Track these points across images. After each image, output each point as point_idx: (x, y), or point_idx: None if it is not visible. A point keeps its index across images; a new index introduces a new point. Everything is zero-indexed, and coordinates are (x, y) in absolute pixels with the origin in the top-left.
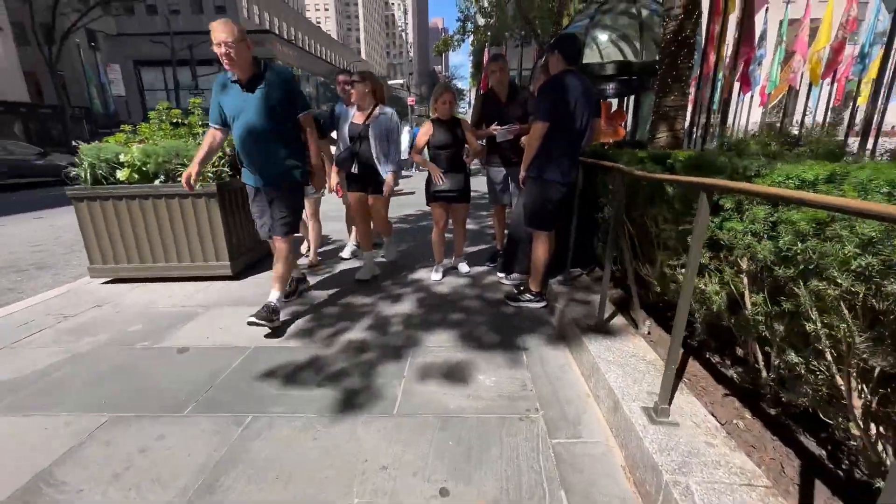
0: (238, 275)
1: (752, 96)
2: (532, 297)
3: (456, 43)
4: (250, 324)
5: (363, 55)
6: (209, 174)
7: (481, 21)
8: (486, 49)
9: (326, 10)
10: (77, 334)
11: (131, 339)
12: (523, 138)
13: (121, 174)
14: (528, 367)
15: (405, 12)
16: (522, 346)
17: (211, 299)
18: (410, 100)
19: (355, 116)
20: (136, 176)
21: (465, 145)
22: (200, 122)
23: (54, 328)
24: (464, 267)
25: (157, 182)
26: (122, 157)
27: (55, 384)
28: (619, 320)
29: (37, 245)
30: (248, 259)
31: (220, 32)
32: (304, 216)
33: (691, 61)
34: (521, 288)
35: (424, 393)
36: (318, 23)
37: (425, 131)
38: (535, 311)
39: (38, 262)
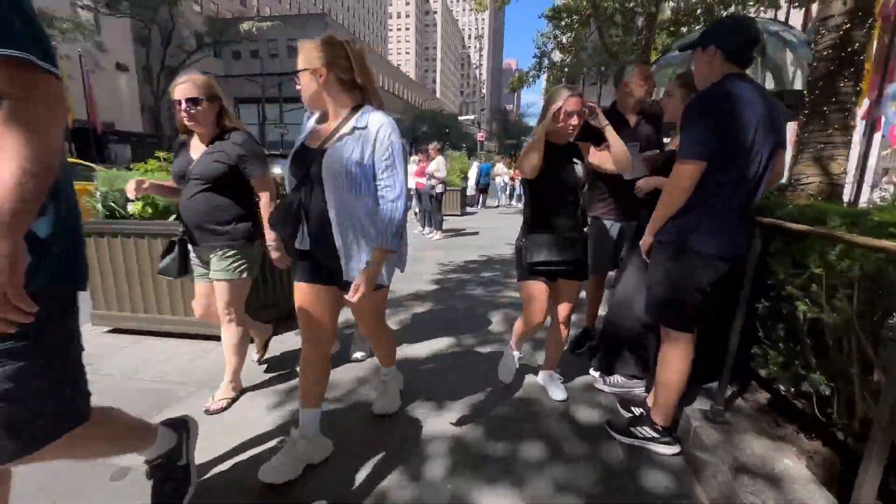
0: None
1: (872, 133)
2: (656, 435)
3: (531, 79)
4: None
5: (438, 94)
6: None
7: (557, 57)
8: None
9: (408, 53)
10: None
11: None
12: (648, 181)
13: (131, 207)
14: None
15: (480, 52)
16: None
17: (208, 374)
18: (480, 135)
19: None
20: (150, 210)
21: (582, 190)
22: None
23: None
24: (557, 391)
25: (171, 219)
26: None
27: None
28: None
29: None
30: (270, 315)
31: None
32: None
33: (859, 84)
34: (638, 414)
35: None
36: (399, 65)
37: (530, 162)
38: (663, 460)
39: None
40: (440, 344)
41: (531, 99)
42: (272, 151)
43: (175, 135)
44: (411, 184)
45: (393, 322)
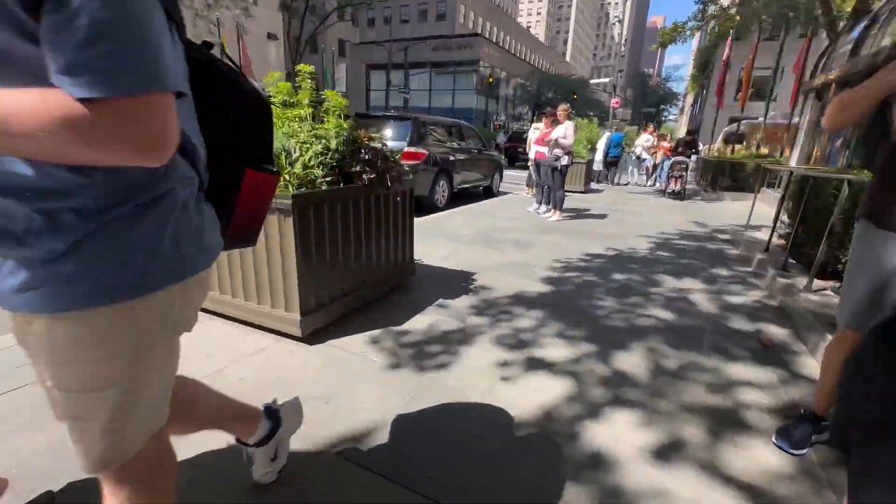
0: (310, 337)
1: None
2: None
3: (688, 32)
4: None
5: (568, 57)
6: (294, 174)
7: (727, 1)
8: (729, 40)
9: (539, 13)
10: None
11: None
12: None
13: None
14: None
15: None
16: None
17: (244, 372)
18: (615, 101)
19: None
20: None
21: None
22: (309, 102)
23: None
24: None
25: None
26: None
27: None
28: None
29: None
30: (329, 316)
31: None
32: None
33: None
34: None
35: None
36: (529, 26)
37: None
38: None
39: None
40: (546, 398)
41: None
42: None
43: None
44: (531, 153)
45: (477, 344)
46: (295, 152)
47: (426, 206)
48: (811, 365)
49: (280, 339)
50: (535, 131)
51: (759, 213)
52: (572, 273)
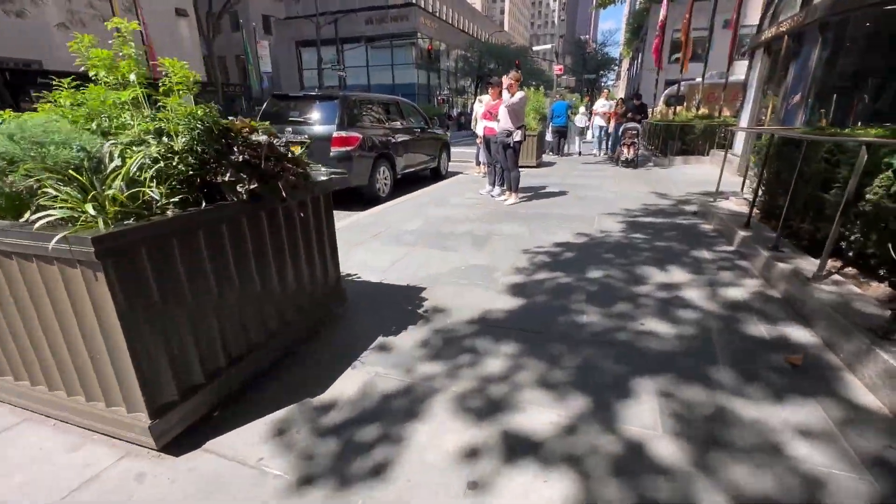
0: (175, 443)
1: None
2: None
3: None
4: None
5: (506, 27)
6: (109, 198)
7: None
8: (665, 1)
9: None
10: None
11: None
12: None
13: None
14: None
15: None
16: None
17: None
18: (558, 68)
19: None
20: None
21: None
22: (138, 79)
23: None
24: None
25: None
26: None
27: None
28: None
29: None
30: (203, 405)
31: None
32: None
33: None
34: None
35: None
36: None
37: None
38: None
39: None
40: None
41: (610, 26)
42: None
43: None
44: (479, 129)
45: (432, 416)
46: (110, 160)
47: (367, 198)
48: (858, 386)
49: (129, 452)
50: (480, 104)
51: (713, 177)
52: (542, 274)
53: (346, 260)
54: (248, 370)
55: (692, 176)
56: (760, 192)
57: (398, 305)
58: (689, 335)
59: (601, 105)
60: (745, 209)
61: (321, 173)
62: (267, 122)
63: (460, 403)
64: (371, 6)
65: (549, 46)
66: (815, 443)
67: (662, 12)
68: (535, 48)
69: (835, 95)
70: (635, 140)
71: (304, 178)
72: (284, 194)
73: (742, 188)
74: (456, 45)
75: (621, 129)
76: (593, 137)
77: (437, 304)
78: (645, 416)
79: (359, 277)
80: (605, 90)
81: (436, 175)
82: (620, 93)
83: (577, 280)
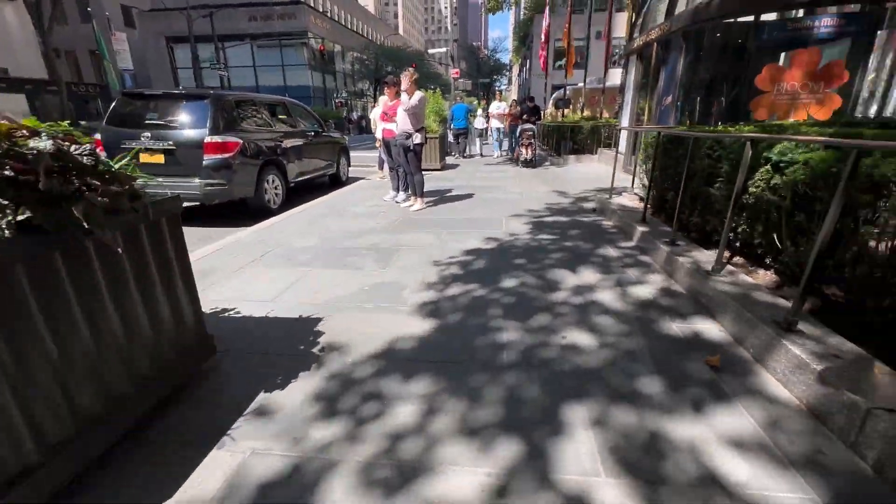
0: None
1: None
2: None
3: None
4: None
5: (401, 31)
6: None
7: None
8: (546, 13)
9: None
10: None
11: None
12: None
13: None
14: None
15: None
16: None
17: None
18: (454, 72)
19: None
20: None
21: None
22: None
23: None
24: None
25: None
26: None
27: None
28: None
29: None
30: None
31: None
32: None
33: None
34: None
35: None
36: None
37: None
38: None
39: None
40: None
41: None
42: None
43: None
44: (377, 132)
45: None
46: None
47: (254, 211)
48: (774, 383)
49: None
50: (378, 108)
51: (604, 174)
52: (454, 289)
53: (221, 292)
54: (53, 481)
55: (585, 174)
56: (651, 188)
57: (286, 345)
58: (609, 344)
59: (496, 107)
60: (637, 205)
61: (185, 186)
62: (65, 123)
63: (365, 477)
64: (253, 2)
65: (444, 50)
66: (753, 458)
67: (544, 23)
68: (430, 51)
69: (698, 98)
70: (532, 140)
71: (127, 197)
72: (87, 223)
73: (632, 184)
74: (351, 47)
75: (518, 131)
76: (492, 139)
77: (336, 338)
78: (584, 458)
79: (238, 312)
80: (499, 92)
81: (335, 182)
82: (513, 96)
83: (491, 292)
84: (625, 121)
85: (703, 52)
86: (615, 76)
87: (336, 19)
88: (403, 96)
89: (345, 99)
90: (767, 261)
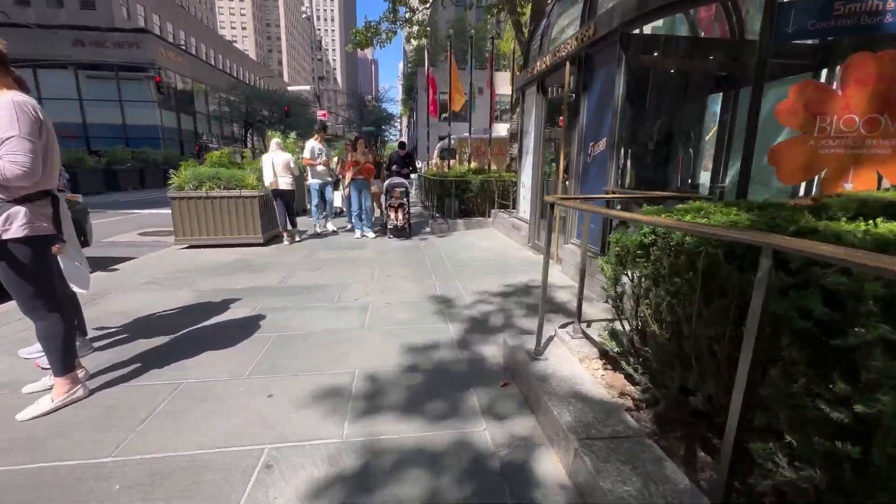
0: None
1: None
2: None
3: (384, 35)
4: None
5: (286, 78)
6: None
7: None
8: (427, 68)
9: (244, 28)
10: None
11: None
12: None
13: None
14: None
15: (332, 35)
16: None
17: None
18: (322, 113)
19: None
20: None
21: None
22: None
23: None
24: None
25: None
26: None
27: None
28: None
29: None
30: None
31: None
32: None
33: None
34: None
35: None
36: (234, 40)
37: None
38: None
39: None
40: None
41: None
42: None
43: None
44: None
45: None
46: None
47: None
48: None
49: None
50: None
51: (505, 251)
52: None
53: None
54: None
55: (481, 250)
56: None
57: None
58: None
59: (308, 150)
60: (602, 374)
61: None
62: None
63: None
64: (80, 25)
65: (307, 87)
66: None
67: (428, 75)
68: (292, 88)
69: (652, 141)
70: (403, 201)
71: None
72: None
73: (579, 312)
74: (217, 87)
75: (385, 186)
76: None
77: None
78: None
79: None
80: (317, 134)
81: None
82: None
83: None
84: (527, 173)
85: (664, 58)
86: (501, 129)
87: (196, 54)
88: None
89: (207, 142)
90: None
